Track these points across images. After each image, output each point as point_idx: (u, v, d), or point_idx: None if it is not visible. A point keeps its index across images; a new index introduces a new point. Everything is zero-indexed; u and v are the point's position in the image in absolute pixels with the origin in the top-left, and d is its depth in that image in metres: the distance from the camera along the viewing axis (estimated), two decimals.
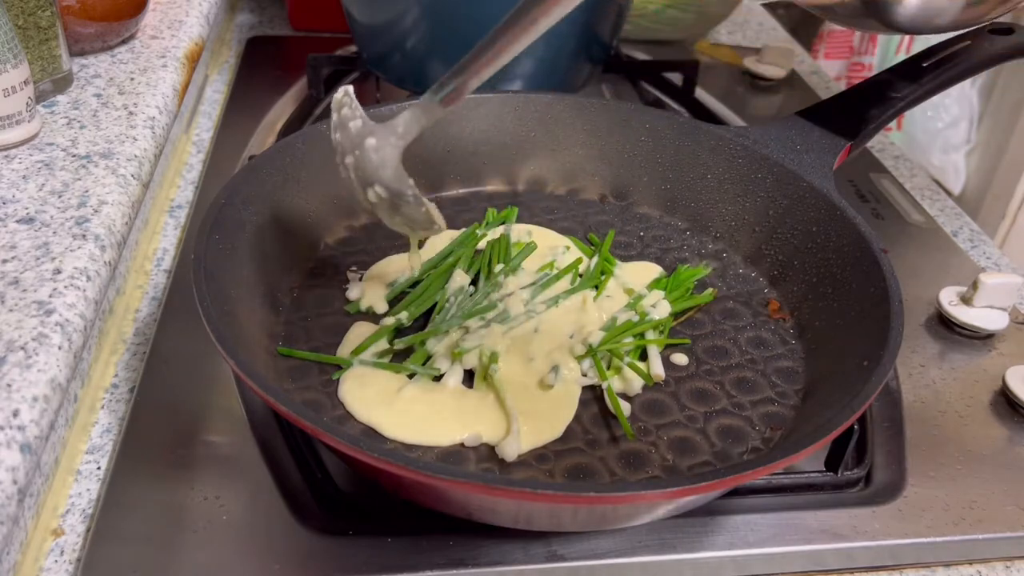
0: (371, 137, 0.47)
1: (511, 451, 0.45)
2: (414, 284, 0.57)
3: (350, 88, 0.47)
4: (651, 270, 0.61)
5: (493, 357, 0.50)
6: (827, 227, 0.56)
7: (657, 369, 0.51)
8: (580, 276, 0.59)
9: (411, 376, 0.50)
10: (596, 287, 0.58)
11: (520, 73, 0.75)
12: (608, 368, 0.51)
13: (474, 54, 0.42)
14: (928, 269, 0.68)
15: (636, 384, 0.50)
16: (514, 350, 0.52)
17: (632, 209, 0.67)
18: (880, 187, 0.77)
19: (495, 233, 0.61)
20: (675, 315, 0.56)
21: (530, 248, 0.60)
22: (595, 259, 0.60)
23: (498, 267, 0.58)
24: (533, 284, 0.57)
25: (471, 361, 0.51)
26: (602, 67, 0.84)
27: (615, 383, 0.50)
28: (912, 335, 0.60)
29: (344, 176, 0.50)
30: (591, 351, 0.51)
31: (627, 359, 0.51)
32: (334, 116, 0.48)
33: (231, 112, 0.83)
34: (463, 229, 0.62)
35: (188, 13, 0.77)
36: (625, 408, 0.49)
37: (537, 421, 0.47)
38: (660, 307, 0.55)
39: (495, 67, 0.42)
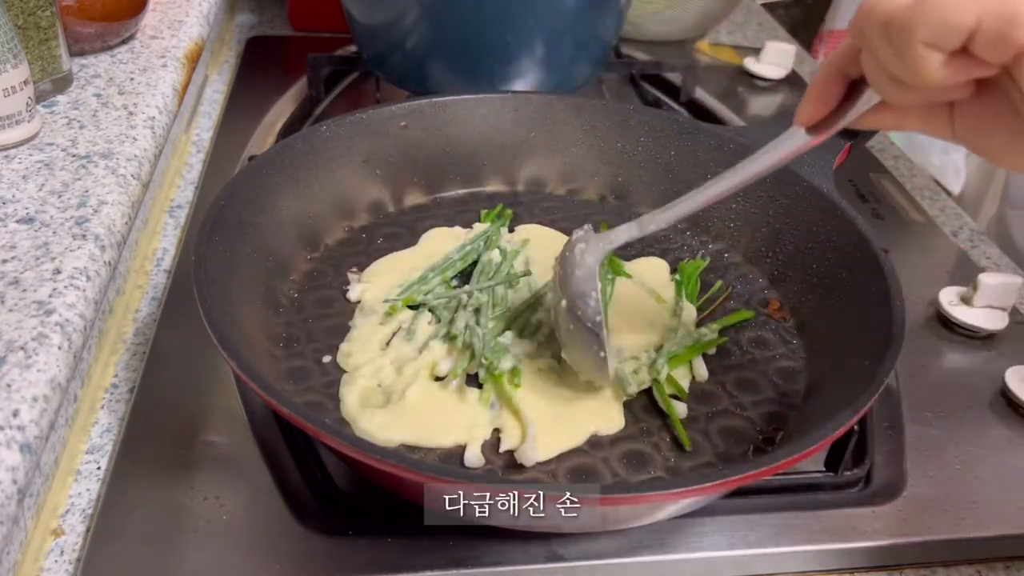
0: (583, 243, 0.47)
1: (530, 457, 0.45)
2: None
3: (588, 226, 0.49)
4: (657, 265, 0.61)
5: (515, 372, 0.49)
6: (827, 227, 0.56)
7: (703, 371, 0.52)
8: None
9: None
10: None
11: (520, 73, 0.75)
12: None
13: (703, 189, 0.45)
14: (928, 269, 0.67)
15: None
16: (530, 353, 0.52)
17: (632, 209, 0.67)
18: (880, 187, 0.77)
19: (509, 241, 0.61)
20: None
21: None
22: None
23: (523, 277, 0.58)
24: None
25: (474, 366, 0.50)
26: (602, 67, 0.84)
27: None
28: (912, 335, 0.60)
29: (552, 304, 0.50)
30: (654, 372, 0.50)
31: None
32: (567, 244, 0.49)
33: (231, 112, 0.83)
34: (470, 230, 0.63)
35: (188, 13, 0.77)
36: (680, 410, 0.49)
37: (556, 428, 0.47)
38: (711, 329, 0.54)
39: (698, 207, 0.46)
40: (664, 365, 0.50)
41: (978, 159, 1.56)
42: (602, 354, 0.46)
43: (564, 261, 0.48)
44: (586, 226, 0.49)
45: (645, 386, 0.50)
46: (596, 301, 0.46)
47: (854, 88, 0.36)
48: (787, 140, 0.40)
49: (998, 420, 0.54)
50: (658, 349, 0.52)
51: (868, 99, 0.35)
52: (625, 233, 0.47)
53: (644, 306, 0.56)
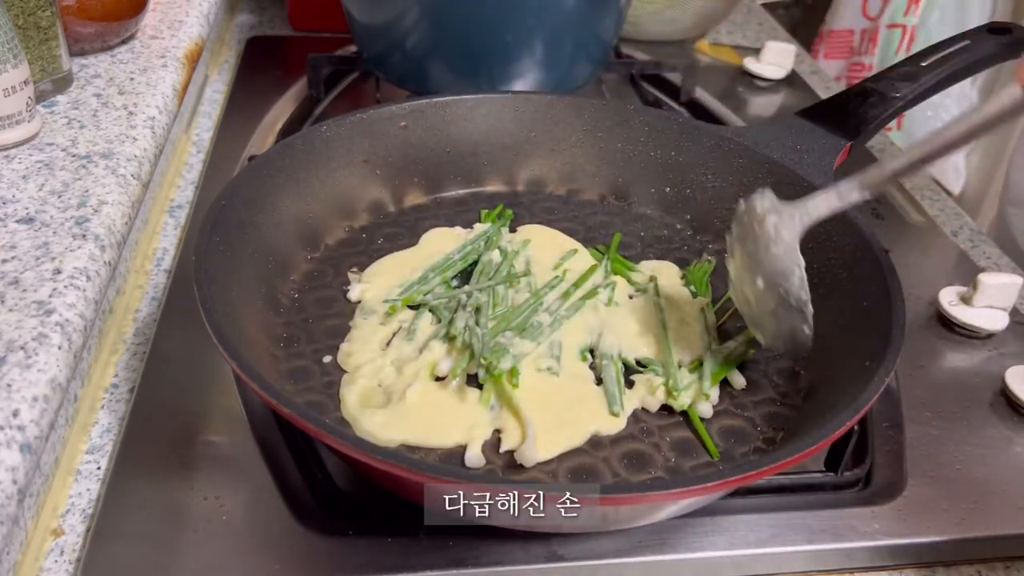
0: (773, 214, 0.45)
1: (530, 457, 0.45)
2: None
3: (768, 190, 0.47)
4: (668, 268, 0.60)
5: (514, 372, 0.49)
6: (828, 227, 0.56)
7: (740, 380, 0.52)
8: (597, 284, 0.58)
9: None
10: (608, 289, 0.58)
11: (520, 73, 0.75)
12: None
13: (903, 158, 0.44)
14: (928, 269, 0.68)
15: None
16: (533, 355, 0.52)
17: (632, 209, 0.67)
18: None
19: (510, 241, 0.61)
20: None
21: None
22: (604, 262, 0.60)
23: (523, 277, 0.58)
24: (554, 289, 0.57)
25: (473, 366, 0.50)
26: (602, 67, 0.84)
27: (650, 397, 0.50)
28: (912, 335, 0.60)
29: (732, 276, 0.49)
30: (700, 389, 0.49)
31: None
32: (743, 207, 0.47)
33: (231, 112, 0.83)
34: (470, 230, 0.63)
35: (188, 13, 0.77)
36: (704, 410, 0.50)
37: (556, 428, 0.47)
38: (739, 342, 0.54)
39: (913, 170, 0.44)
40: (710, 388, 0.50)
41: (978, 159, 1.56)
42: (807, 331, 0.45)
43: (752, 236, 0.45)
44: (767, 192, 0.46)
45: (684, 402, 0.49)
46: (800, 279, 0.45)
47: None
48: (1005, 97, 0.39)
49: (998, 420, 0.54)
50: (695, 366, 0.52)
51: None
52: (825, 204, 0.45)
53: (669, 317, 0.56)
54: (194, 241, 0.48)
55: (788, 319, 0.46)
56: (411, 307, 0.55)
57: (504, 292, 0.56)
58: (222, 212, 0.51)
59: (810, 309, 0.45)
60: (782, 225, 0.45)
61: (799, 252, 0.45)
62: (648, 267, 0.60)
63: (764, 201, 0.46)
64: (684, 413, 0.49)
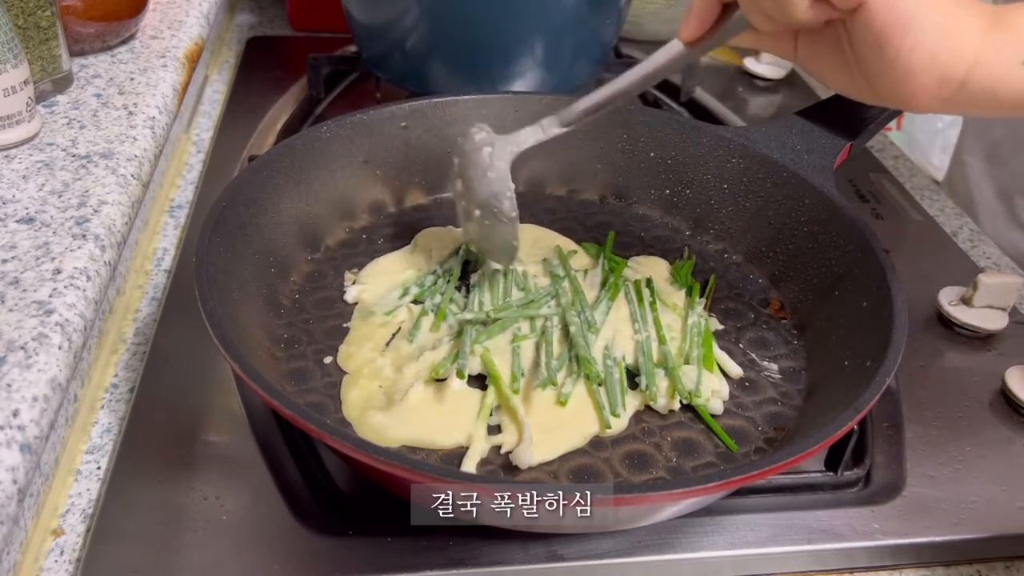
0: (489, 146, 0.52)
1: (524, 459, 0.45)
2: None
3: (485, 125, 0.53)
4: (658, 264, 0.61)
5: (515, 376, 0.49)
6: (828, 227, 0.56)
7: (735, 368, 0.52)
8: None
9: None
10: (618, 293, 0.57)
11: (520, 73, 0.75)
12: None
13: (599, 91, 0.49)
14: (928, 269, 0.67)
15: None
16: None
17: (632, 209, 0.67)
18: (880, 187, 0.77)
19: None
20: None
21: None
22: (601, 261, 0.60)
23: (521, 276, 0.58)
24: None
25: (475, 367, 0.50)
26: (602, 67, 0.84)
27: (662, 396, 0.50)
28: (912, 335, 0.59)
29: (456, 199, 0.55)
30: (698, 394, 0.50)
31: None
32: (463, 140, 0.53)
33: (231, 112, 0.83)
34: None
35: (188, 13, 0.77)
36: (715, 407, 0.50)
37: (555, 430, 0.47)
38: (712, 321, 0.56)
39: (611, 105, 0.49)
40: (702, 382, 0.50)
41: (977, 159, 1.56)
42: (514, 243, 0.53)
43: (471, 163, 0.52)
44: (484, 126, 0.53)
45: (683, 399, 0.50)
46: (511, 200, 0.51)
47: (725, 11, 0.43)
48: (668, 50, 0.46)
49: (998, 420, 0.54)
50: (686, 359, 0.52)
51: (738, 24, 0.42)
52: (531, 136, 0.52)
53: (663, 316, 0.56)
54: (195, 242, 0.48)
55: (502, 234, 0.52)
56: (412, 305, 0.55)
57: (503, 292, 0.56)
58: (223, 213, 0.51)
59: (518, 222, 0.52)
60: (495, 155, 0.51)
61: (510, 177, 0.51)
62: (638, 262, 0.61)
63: (482, 134, 0.52)
64: (685, 413, 0.49)
